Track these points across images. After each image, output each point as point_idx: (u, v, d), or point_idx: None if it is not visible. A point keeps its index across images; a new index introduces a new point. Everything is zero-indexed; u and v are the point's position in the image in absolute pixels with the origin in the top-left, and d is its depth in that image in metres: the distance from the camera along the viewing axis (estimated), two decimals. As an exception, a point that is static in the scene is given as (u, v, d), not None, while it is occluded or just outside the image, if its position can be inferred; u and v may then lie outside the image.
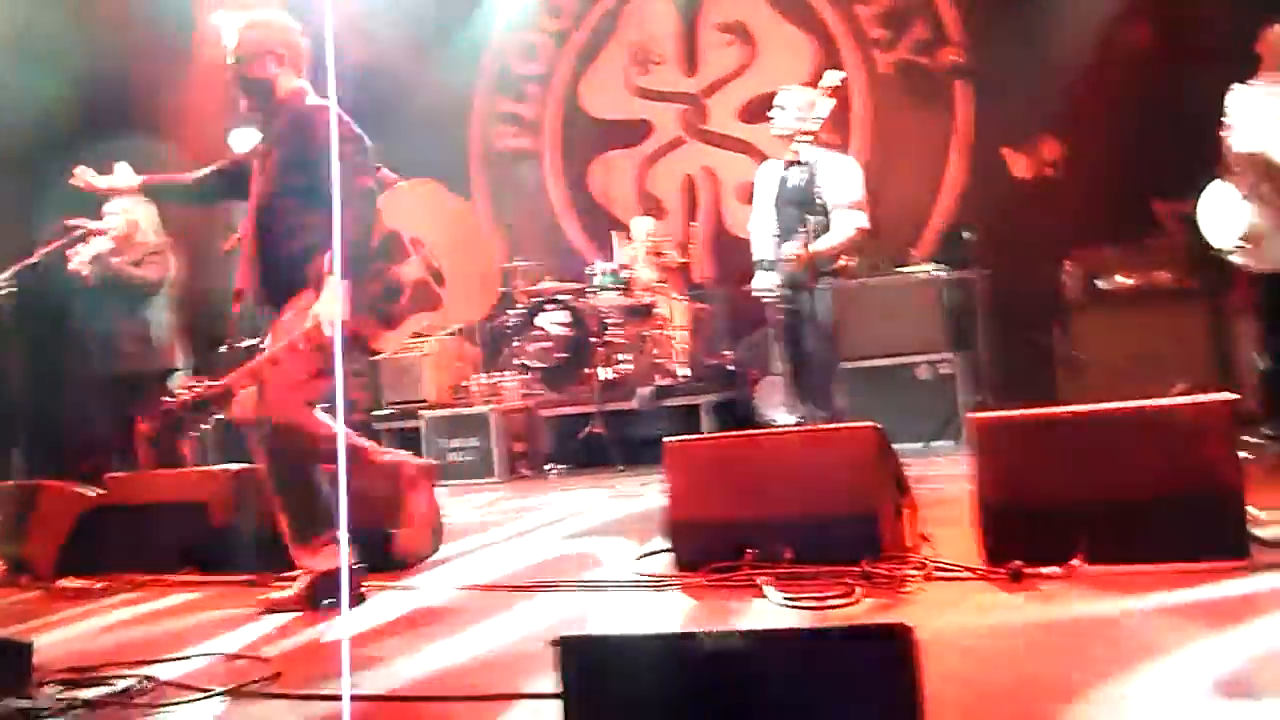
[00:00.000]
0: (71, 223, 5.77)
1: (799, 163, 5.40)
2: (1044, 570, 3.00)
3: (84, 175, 3.97)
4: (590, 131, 10.21)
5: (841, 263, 5.54)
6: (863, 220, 5.41)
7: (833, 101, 5.07)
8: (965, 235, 7.91)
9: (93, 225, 5.91)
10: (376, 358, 8.89)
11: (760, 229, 5.49)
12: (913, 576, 3.15)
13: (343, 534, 3.39)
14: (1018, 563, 3.03)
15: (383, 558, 4.00)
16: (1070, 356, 7.08)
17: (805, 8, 9.36)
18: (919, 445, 6.69)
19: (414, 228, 3.72)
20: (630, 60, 10.04)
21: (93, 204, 6.09)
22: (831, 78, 5.11)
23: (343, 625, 3.25)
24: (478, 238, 3.98)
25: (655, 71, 9.98)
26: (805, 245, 5.10)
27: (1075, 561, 2.97)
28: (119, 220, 6.02)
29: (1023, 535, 3.10)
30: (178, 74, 9.63)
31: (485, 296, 4.08)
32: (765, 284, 5.40)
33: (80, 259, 5.81)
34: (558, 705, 1.75)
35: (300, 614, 3.50)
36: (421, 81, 10.37)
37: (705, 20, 9.76)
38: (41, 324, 6.24)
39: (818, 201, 5.19)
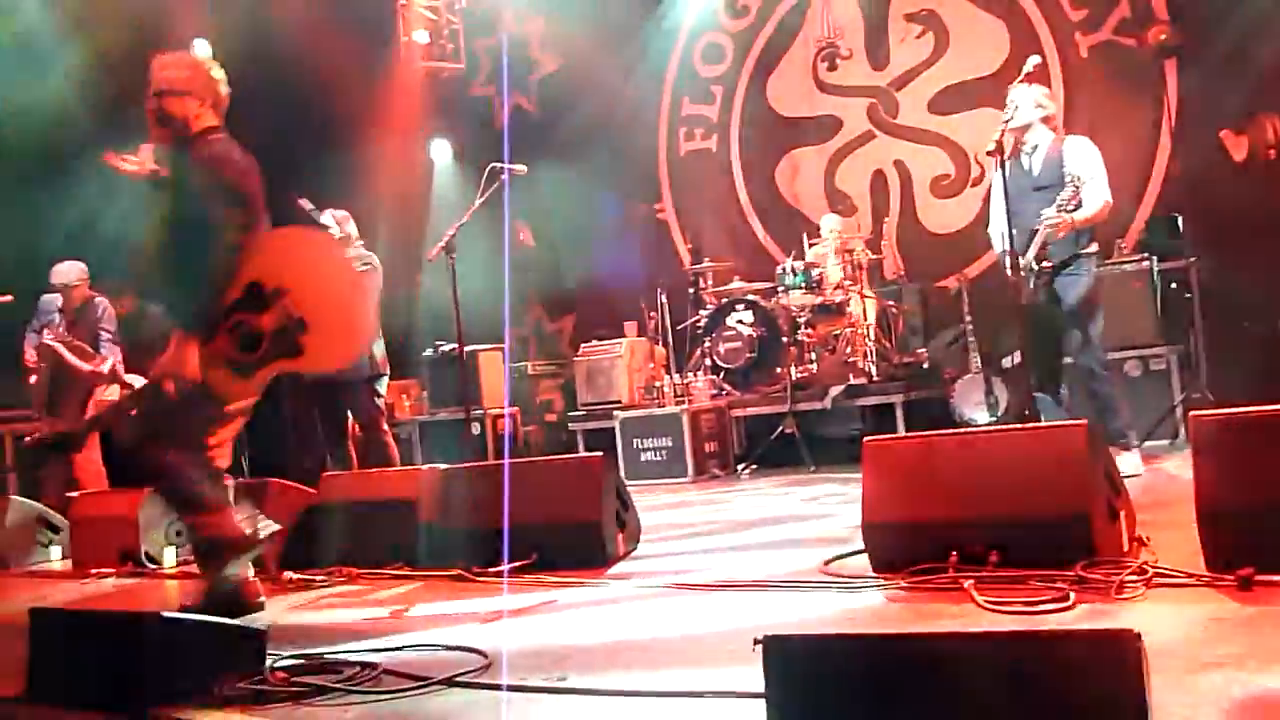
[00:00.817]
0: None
1: (1031, 151, 5.40)
2: (1277, 578, 2.80)
3: (115, 160, 4.11)
4: (777, 130, 10.16)
5: (1094, 249, 5.38)
6: (1109, 195, 5.28)
7: (1046, 90, 4.95)
8: (1177, 222, 7.50)
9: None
10: (578, 360, 9.12)
11: (1000, 224, 5.42)
12: (1131, 582, 3.00)
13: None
14: (1248, 569, 2.84)
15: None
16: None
17: (999, -8, 9.05)
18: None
19: (279, 276, 3.71)
20: (817, 56, 9.94)
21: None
22: (1029, 63, 4.94)
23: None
24: (347, 284, 3.90)
25: (843, 66, 9.84)
26: (1062, 213, 5.02)
27: (1313, 568, 2.77)
28: (336, 234, 6.33)
29: (1251, 540, 2.90)
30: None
31: (353, 342, 4.00)
32: (1017, 266, 5.35)
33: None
34: (761, 705, 1.75)
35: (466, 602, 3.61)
36: (610, 87, 10.58)
37: (894, 11, 9.55)
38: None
39: (1067, 182, 5.11)
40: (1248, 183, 7.71)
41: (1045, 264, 5.25)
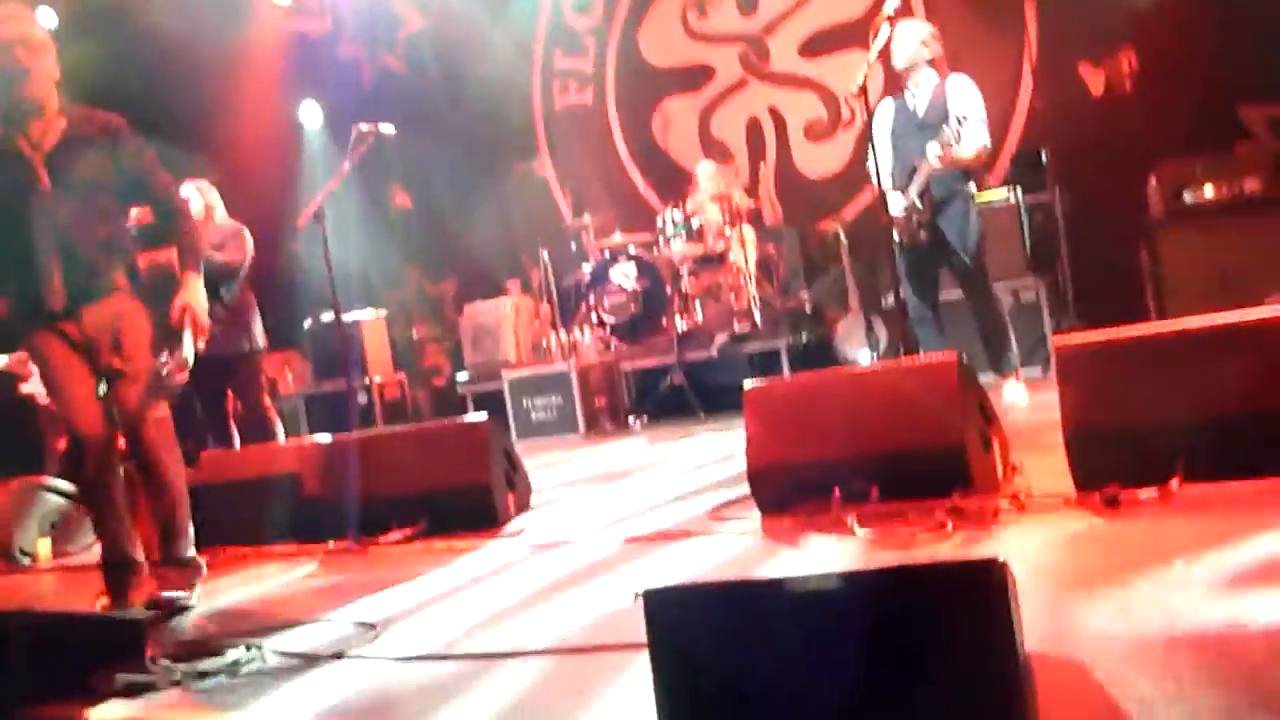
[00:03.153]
0: (150, 210, 5.88)
1: (915, 89, 5.44)
2: (1140, 494, 2.93)
3: None
4: (651, 80, 10.10)
5: (971, 186, 5.47)
6: (987, 139, 5.37)
7: (887, 27, 4.97)
8: (1040, 156, 7.70)
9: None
10: (463, 322, 9.02)
11: (885, 163, 5.46)
12: (1005, 508, 3.10)
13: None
14: (1113, 487, 2.95)
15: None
16: (1155, 273, 6.86)
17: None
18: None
19: None
20: (686, 4, 9.89)
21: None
22: (889, 5, 4.98)
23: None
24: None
25: (712, 14, 9.81)
26: (946, 149, 5.08)
27: (1172, 483, 2.90)
28: (197, 204, 6.12)
29: (1116, 460, 3.02)
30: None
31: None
32: (898, 205, 5.38)
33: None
34: (646, 656, 1.76)
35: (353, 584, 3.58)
36: (480, 42, 10.39)
37: (760, -43, 9.55)
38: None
39: (951, 120, 5.18)
40: (1105, 115, 7.95)
41: (925, 199, 5.29)
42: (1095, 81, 8.12)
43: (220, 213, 6.28)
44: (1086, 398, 3.13)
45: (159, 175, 3.72)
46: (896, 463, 3.33)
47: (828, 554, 2.98)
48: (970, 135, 5.21)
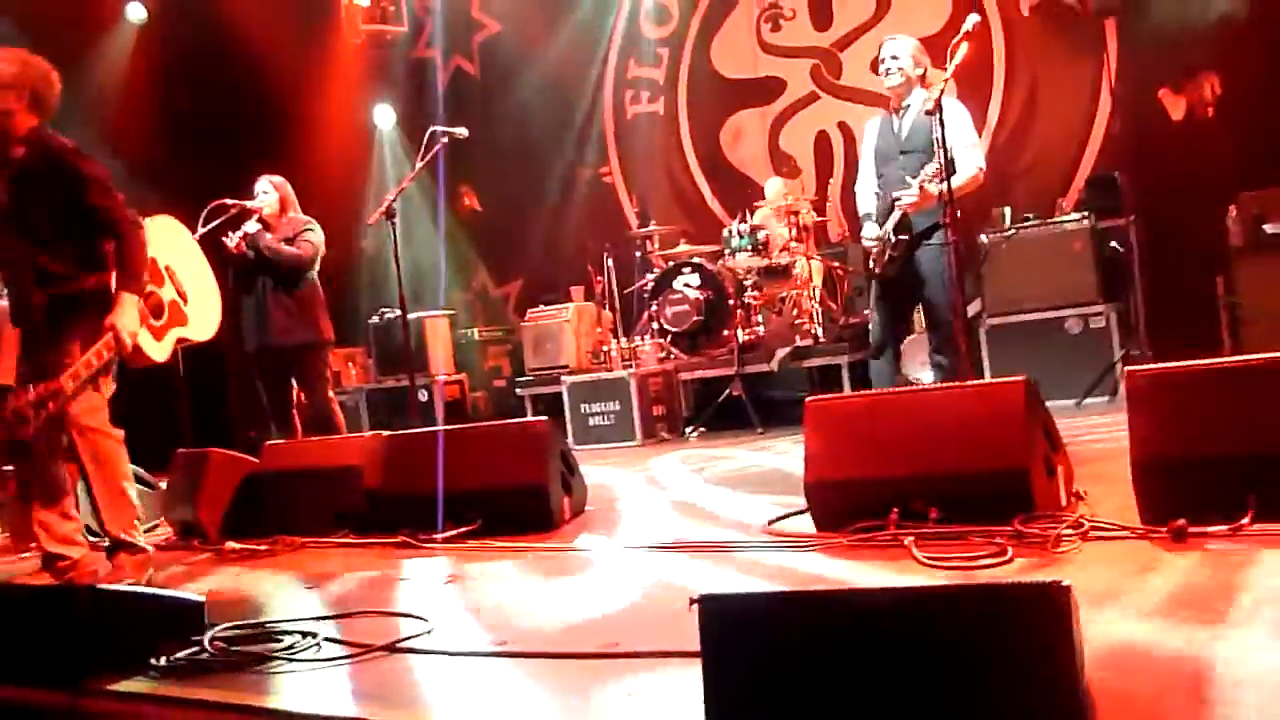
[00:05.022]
0: (229, 202, 6.01)
1: (902, 111, 5.27)
2: (1210, 529, 2.86)
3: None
4: (722, 92, 10.12)
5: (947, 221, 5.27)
6: (982, 161, 5.20)
7: (965, 47, 4.86)
8: (1116, 180, 7.58)
9: (249, 204, 6.14)
10: (525, 325, 9.09)
11: (868, 184, 5.35)
12: (1068, 536, 3.04)
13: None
14: (1181, 521, 2.89)
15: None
16: (1232, 305, 6.71)
17: (941, -49, 9.03)
18: (1071, 402, 6.46)
19: (163, 257, 4.33)
20: (760, 17, 9.89)
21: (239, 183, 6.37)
22: (968, 22, 4.91)
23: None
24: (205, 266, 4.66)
25: (786, 28, 9.81)
26: (924, 185, 4.93)
27: (1244, 519, 2.82)
28: (271, 198, 6.23)
29: (1185, 492, 2.96)
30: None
31: (217, 314, 4.65)
32: (869, 233, 5.25)
33: (236, 237, 6.04)
34: (699, 663, 1.75)
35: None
36: (554, 49, 10.49)
37: (838, -28, 9.52)
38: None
39: (936, 147, 5.04)
40: (1185, 142, 7.80)
41: (902, 236, 5.09)
42: (1176, 107, 7.98)
43: (294, 207, 6.38)
44: (1157, 428, 3.07)
45: (105, 200, 3.92)
46: (958, 485, 3.28)
47: (885, 572, 2.95)
48: (961, 164, 5.05)
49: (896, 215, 5.11)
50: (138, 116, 9.23)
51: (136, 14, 9.70)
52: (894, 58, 5.22)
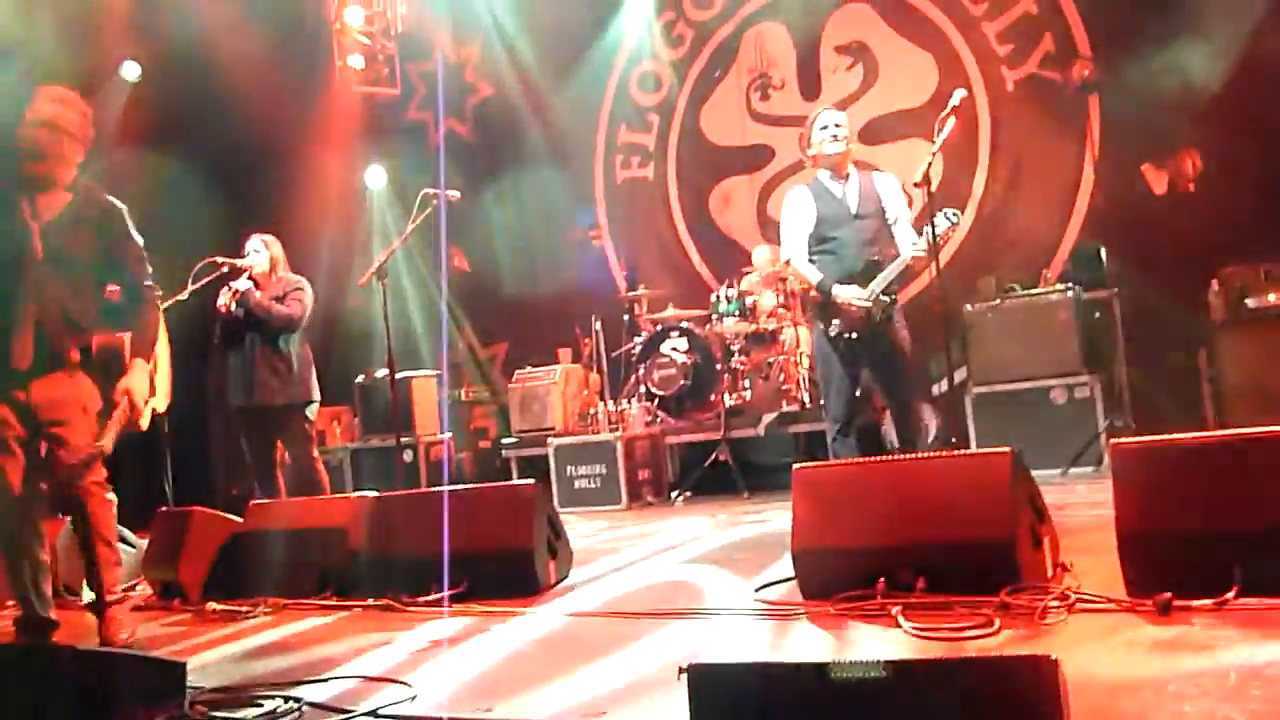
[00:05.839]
0: (220, 260, 6.04)
1: (844, 178, 5.30)
2: (1195, 603, 2.87)
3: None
4: (711, 159, 10.25)
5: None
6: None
7: (952, 121, 4.95)
8: (1100, 253, 7.68)
9: (239, 262, 6.17)
10: (512, 387, 9.09)
11: (804, 252, 5.28)
12: (1054, 607, 3.04)
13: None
14: (1167, 595, 2.90)
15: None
16: (1214, 379, 6.77)
17: (927, 25, 9.22)
18: (1056, 472, 6.49)
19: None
20: (749, 86, 10.06)
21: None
22: (955, 97, 5.01)
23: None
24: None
25: (775, 97, 9.97)
26: (929, 249, 4.92)
27: (1229, 595, 2.83)
28: (262, 256, 6.26)
29: (1171, 566, 2.97)
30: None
31: (167, 384, 4.57)
32: (854, 294, 5.08)
33: (226, 295, 6.06)
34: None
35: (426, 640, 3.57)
36: (546, 113, 10.63)
37: (825, 43, 9.70)
38: (188, 357, 6.55)
39: (880, 214, 5.14)
40: (1167, 216, 7.92)
41: (885, 297, 5.08)
42: (1158, 181, 8.12)
43: (284, 266, 6.41)
44: (1142, 501, 3.09)
45: (138, 265, 4.04)
46: (944, 554, 3.28)
47: (872, 643, 2.94)
48: (907, 235, 5.12)
49: (891, 275, 5.08)
50: (129, 173, 9.28)
51: (132, 72, 9.78)
52: (838, 125, 5.27)
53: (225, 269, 6.07)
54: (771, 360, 8.08)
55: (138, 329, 4.01)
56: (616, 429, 7.98)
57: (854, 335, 5.14)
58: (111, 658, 3.05)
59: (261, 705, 2.77)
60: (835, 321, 5.16)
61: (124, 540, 5.40)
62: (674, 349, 8.36)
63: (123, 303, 4.04)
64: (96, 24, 9.13)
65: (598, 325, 9.07)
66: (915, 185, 4.81)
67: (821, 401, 5.41)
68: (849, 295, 5.10)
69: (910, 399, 5.31)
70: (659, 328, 8.54)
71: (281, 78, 9.86)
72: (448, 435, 9.27)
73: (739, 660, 1.98)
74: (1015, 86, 8.83)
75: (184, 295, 5.90)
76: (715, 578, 4.29)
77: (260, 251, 6.27)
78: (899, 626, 3.00)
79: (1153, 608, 2.90)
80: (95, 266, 3.97)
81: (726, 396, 7.94)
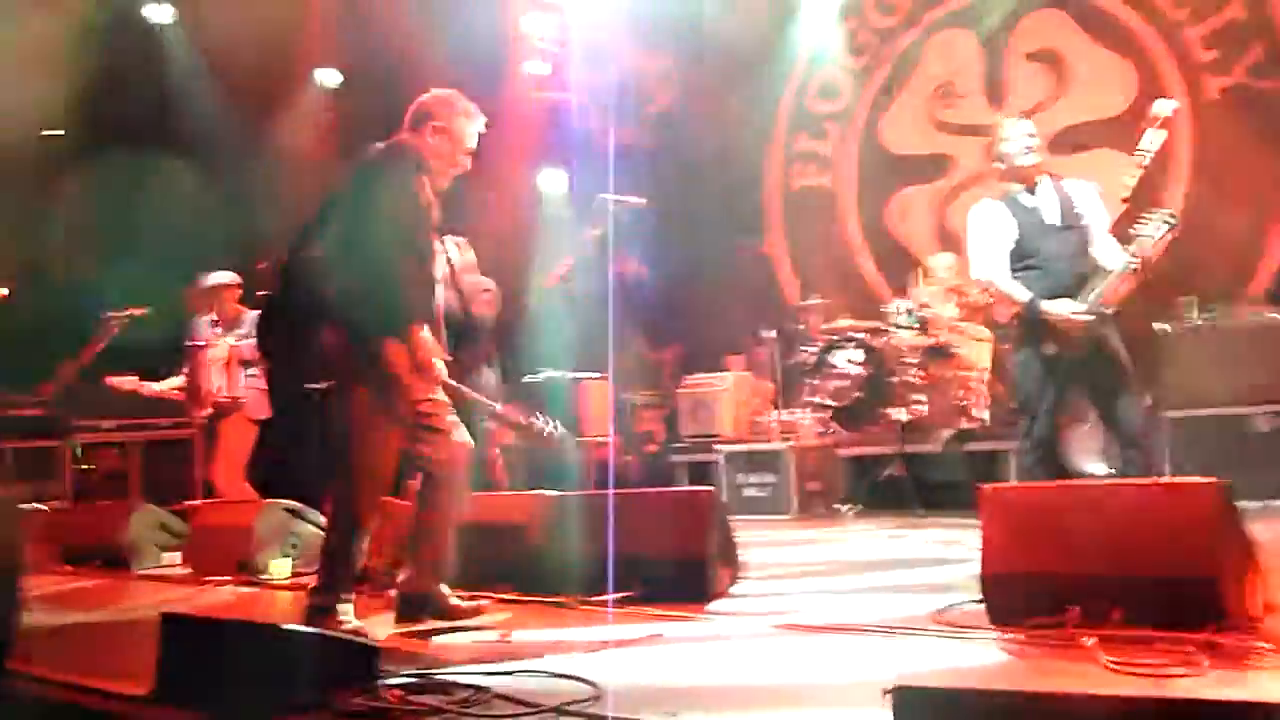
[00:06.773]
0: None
1: (1034, 189, 5.03)
2: None
3: None
4: (888, 168, 10.08)
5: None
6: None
7: (1164, 134, 4.70)
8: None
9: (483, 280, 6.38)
10: (682, 392, 9.14)
11: (1002, 268, 5.00)
12: (1262, 649, 2.87)
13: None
14: (1393, 641, 2.70)
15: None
16: None
17: (1123, 31, 8.85)
18: (1259, 503, 6.12)
19: None
20: (933, 95, 9.85)
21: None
22: (1163, 107, 4.77)
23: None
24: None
25: (958, 105, 9.74)
26: (1143, 254, 4.65)
27: None
28: (457, 258, 6.45)
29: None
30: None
31: None
32: (1070, 309, 4.75)
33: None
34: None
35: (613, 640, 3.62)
36: (724, 122, 10.65)
37: (1013, 50, 9.42)
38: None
39: (1083, 224, 4.85)
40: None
41: (1104, 310, 4.74)
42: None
43: (473, 269, 6.59)
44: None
45: None
46: (1143, 587, 3.14)
47: (1072, 674, 2.83)
48: (1117, 244, 4.79)
49: (1113, 281, 4.74)
50: (318, 177, 9.74)
51: (332, 79, 10.27)
52: (1030, 135, 5.02)
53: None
54: (949, 375, 7.88)
55: None
56: (788, 438, 7.93)
57: (1070, 353, 4.81)
58: (311, 638, 3.19)
59: (452, 693, 2.85)
60: (1050, 343, 4.84)
61: (313, 522, 5.67)
62: (849, 360, 8.25)
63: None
64: (295, 32, 9.62)
65: (771, 334, 9.04)
66: (1123, 201, 4.56)
67: (1022, 424, 5.11)
68: (1064, 310, 4.78)
69: (1135, 418, 4.97)
70: (834, 337, 8.45)
71: (461, 83, 10.15)
72: (613, 436, 9.38)
73: (950, 685, 1.94)
74: (1221, 95, 8.38)
75: None
76: (893, 595, 4.21)
77: (452, 252, 6.46)
78: (1094, 659, 2.88)
79: (1378, 654, 2.71)
80: None
81: (902, 410, 7.79)
